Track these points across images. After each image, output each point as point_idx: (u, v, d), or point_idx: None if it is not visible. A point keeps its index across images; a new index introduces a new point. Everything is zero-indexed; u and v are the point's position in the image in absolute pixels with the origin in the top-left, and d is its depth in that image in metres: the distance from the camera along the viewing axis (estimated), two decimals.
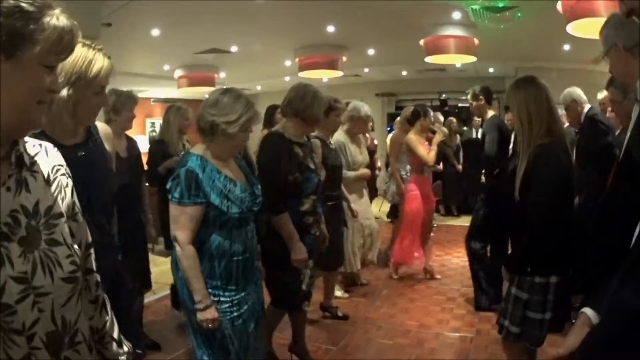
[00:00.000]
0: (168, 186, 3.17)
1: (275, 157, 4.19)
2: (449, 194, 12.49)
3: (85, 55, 2.45)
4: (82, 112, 2.52)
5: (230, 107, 3.17)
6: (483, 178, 6.66)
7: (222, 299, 3.20)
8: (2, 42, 1.30)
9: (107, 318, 1.79)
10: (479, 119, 13.07)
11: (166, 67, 13.66)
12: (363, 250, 6.89)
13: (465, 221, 11.64)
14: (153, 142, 6.33)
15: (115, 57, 2.75)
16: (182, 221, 3.09)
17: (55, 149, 1.69)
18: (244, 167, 3.50)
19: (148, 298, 5.53)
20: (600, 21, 6.78)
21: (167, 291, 6.04)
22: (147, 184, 5.65)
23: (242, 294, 3.26)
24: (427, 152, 7.23)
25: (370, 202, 9.96)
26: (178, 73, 13.89)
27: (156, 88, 16.91)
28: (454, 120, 12.75)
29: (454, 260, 8.61)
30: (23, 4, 1.32)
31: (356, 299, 6.83)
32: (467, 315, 6.11)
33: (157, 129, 18.37)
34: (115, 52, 11.36)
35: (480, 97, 6.48)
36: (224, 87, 3.43)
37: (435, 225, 11.06)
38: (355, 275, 7.24)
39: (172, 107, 6.02)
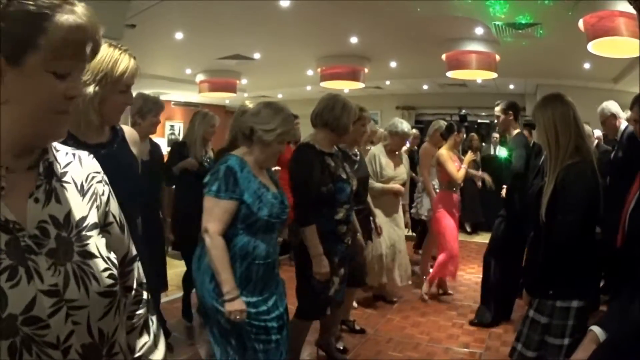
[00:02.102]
0: (206, 180, 3.37)
1: (307, 169, 4.21)
2: (464, 211, 12.39)
3: (111, 55, 2.51)
4: (107, 110, 2.55)
5: (269, 117, 3.43)
6: (503, 193, 6.40)
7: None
8: (6, 49, 1.20)
9: (146, 340, 1.65)
10: (497, 136, 13.09)
11: (188, 71, 13.75)
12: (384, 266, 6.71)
13: (481, 238, 11.61)
14: (174, 143, 6.37)
15: (138, 58, 2.76)
16: (216, 213, 3.25)
17: (91, 156, 1.60)
18: (275, 180, 3.67)
19: (162, 299, 5.56)
20: (621, 40, 6.83)
21: (181, 293, 6.15)
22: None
23: (260, 297, 3.36)
24: (457, 169, 7.02)
25: None
26: (200, 77, 13.97)
27: (177, 91, 17.00)
28: (475, 136, 12.59)
29: (466, 277, 8.56)
30: (30, 7, 1.21)
31: (368, 310, 6.81)
32: (477, 332, 6.09)
33: (177, 132, 18.44)
34: (138, 54, 11.42)
35: (510, 112, 6.25)
36: (268, 100, 3.77)
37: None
38: (383, 289, 7.11)
39: (199, 113, 5.99)
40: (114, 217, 1.58)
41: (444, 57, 10.16)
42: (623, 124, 5.85)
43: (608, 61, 8.27)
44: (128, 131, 2.86)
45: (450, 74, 10.43)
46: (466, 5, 7.51)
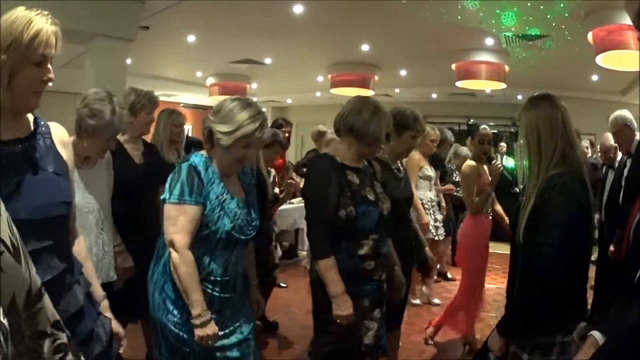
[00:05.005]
0: (167, 183, 2.87)
1: (323, 187, 3.31)
2: None
3: (24, 16, 1.96)
4: (19, 88, 1.98)
5: (230, 115, 2.87)
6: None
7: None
8: None
9: None
10: (505, 146, 13.08)
11: (199, 74, 13.84)
12: None
13: (495, 248, 11.57)
14: None
15: (149, 60, 2.66)
16: (182, 222, 2.76)
17: None
18: (248, 184, 3.20)
19: None
20: (630, 54, 6.84)
21: None
22: None
23: (216, 317, 2.85)
24: (482, 189, 5.55)
25: None
26: (210, 81, 14.07)
27: (186, 94, 17.08)
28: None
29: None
30: None
31: None
32: (481, 340, 6.10)
33: (185, 133, 18.61)
34: (150, 56, 11.59)
35: None
36: (237, 96, 3.09)
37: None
38: None
39: (164, 112, 5.28)
40: (4, 244, 1.22)
41: (453, 66, 10.22)
42: (638, 135, 5.47)
43: (616, 73, 8.31)
44: (56, 128, 2.27)
45: (459, 83, 10.49)
46: (477, 16, 7.55)
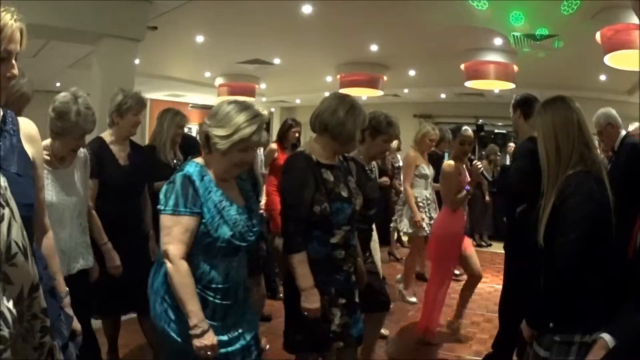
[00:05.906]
0: (162, 192, 2.81)
1: (298, 184, 3.40)
2: (479, 223, 12.21)
3: None
4: None
5: (227, 119, 2.79)
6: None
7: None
8: None
9: None
10: (513, 146, 13.02)
11: (207, 74, 13.86)
12: None
13: (495, 248, 11.52)
14: (145, 147, 5.37)
15: (157, 60, 2.65)
16: (176, 233, 2.72)
17: None
18: (247, 191, 3.15)
19: None
20: (638, 53, 6.81)
21: None
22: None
23: (219, 323, 2.85)
24: (461, 187, 5.75)
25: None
26: (219, 81, 14.08)
27: (195, 94, 17.10)
28: (495, 148, 12.21)
29: (480, 285, 8.49)
30: None
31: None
32: (490, 340, 6.04)
33: (194, 134, 18.67)
34: (159, 56, 11.58)
35: (518, 109, 4.85)
36: (235, 98, 3.01)
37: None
38: None
39: (168, 112, 5.40)
40: (18, 245, 1.41)
41: (462, 67, 10.21)
42: (622, 133, 5.44)
43: (623, 73, 8.28)
44: (24, 123, 2.18)
45: (468, 83, 10.48)
46: (485, 16, 7.54)
